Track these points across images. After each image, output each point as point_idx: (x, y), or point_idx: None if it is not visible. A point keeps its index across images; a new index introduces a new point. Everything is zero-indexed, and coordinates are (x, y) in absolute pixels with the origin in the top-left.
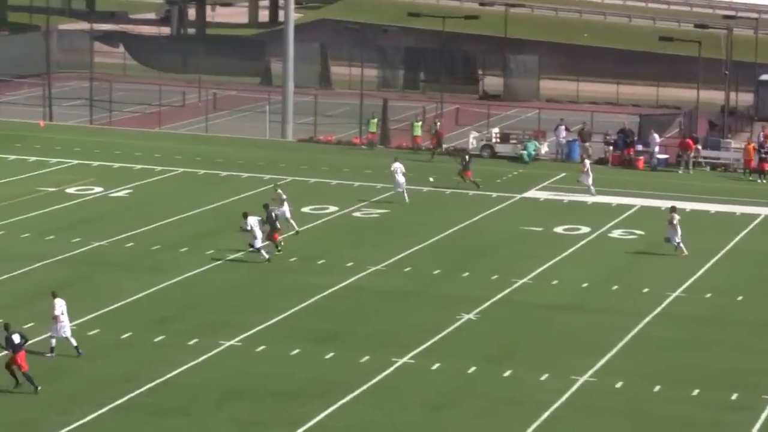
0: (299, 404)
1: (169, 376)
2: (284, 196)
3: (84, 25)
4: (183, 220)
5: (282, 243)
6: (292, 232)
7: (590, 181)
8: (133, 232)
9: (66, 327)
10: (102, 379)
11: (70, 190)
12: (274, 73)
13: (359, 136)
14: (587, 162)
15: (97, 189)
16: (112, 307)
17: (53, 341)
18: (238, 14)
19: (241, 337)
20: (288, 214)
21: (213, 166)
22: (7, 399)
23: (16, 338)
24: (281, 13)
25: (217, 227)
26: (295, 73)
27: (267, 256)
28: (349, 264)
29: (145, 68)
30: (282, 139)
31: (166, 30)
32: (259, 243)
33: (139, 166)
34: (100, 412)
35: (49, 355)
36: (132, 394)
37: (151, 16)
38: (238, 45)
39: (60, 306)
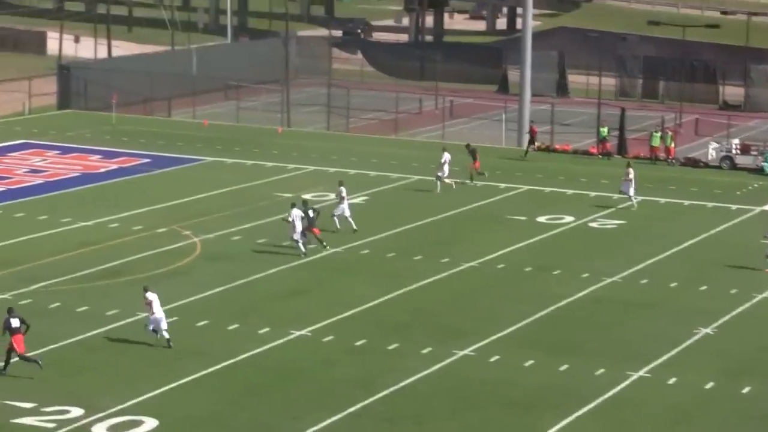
0: (533, 416)
1: (402, 384)
2: (343, 194)
3: (323, 32)
4: (418, 227)
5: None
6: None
7: (632, 191)
8: (369, 239)
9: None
10: (336, 385)
11: (306, 196)
12: (511, 80)
13: (596, 146)
14: (631, 171)
15: (331, 195)
16: (347, 314)
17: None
18: (475, 22)
19: (475, 346)
20: (347, 213)
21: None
22: (246, 402)
23: (15, 322)
24: (519, 20)
25: (453, 235)
26: (532, 81)
27: (304, 250)
28: (584, 275)
29: (382, 75)
30: (518, 148)
31: (403, 37)
32: (297, 236)
33: (375, 173)
34: (333, 418)
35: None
36: (365, 402)
37: (389, 22)
38: (476, 52)
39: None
